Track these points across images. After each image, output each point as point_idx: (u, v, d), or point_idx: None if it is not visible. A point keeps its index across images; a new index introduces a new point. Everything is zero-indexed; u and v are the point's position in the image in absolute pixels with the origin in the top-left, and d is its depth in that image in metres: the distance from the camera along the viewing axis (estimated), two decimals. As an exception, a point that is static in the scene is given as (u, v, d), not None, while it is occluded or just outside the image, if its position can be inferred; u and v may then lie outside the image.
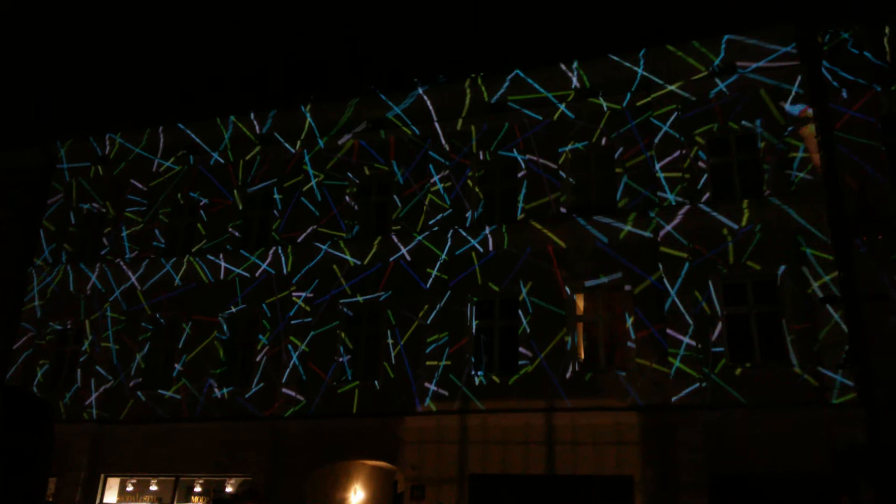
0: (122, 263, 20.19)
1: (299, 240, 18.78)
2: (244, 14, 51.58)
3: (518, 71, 18.18)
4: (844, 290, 14.12)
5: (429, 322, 16.84)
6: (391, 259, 17.72)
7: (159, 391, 18.65)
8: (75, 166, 22.25)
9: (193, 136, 21.22)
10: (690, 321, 14.98)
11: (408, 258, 17.59)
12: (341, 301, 17.92)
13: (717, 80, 16.50)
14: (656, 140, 16.56)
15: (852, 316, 14.01)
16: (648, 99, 16.94)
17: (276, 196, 19.61)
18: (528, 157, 17.61)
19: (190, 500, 17.53)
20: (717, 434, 14.05)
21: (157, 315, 19.60)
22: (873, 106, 15.37)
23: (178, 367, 18.71)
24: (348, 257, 18.08)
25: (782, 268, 14.85)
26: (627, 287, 15.84)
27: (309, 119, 20.00)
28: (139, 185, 21.20)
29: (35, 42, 50.76)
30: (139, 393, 18.83)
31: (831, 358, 13.83)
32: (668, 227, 15.69)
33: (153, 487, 18.01)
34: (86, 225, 21.76)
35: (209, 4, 51.60)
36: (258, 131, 20.57)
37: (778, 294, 14.88)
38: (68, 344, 20.40)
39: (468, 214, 17.67)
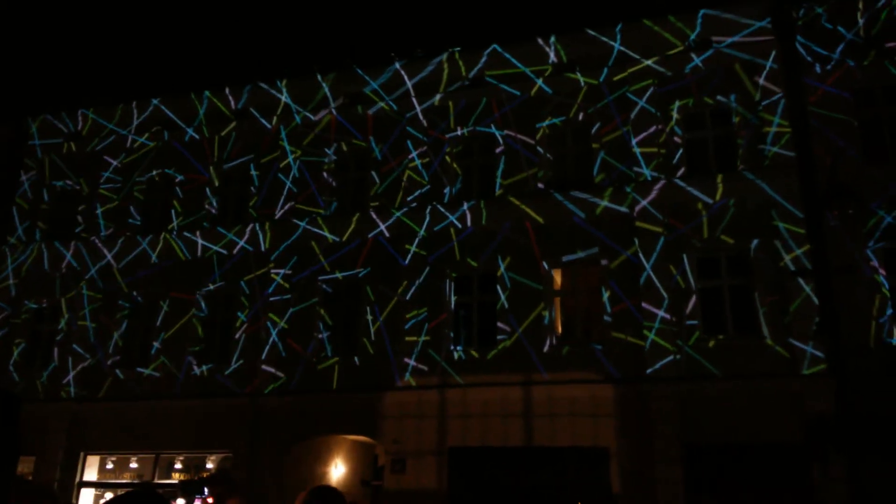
0: (97, 241, 20.00)
1: (277, 216, 18.71)
2: (218, -14, 50.68)
3: (496, 46, 18.11)
4: (815, 262, 14.37)
5: (408, 298, 16.91)
6: (370, 235, 17.73)
7: (138, 369, 18.60)
8: (47, 143, 21.91)
9: (168, 111, 20.95)
10: (665, 295, 15.18)
11: (386, 234, 17.60)
12: (320, 278, 17.93)
13: (693, 55, 16.57)
14: (632, 115, 16.63)
15: (823, 288, 14.29)
16: (625, 74, 16.98)
17: (253, 172, 19.47)
18: (505, 132, 17.62)
19: (170, 478, 17.59)
20: (690, 405, 14.32)
21: (134, 293, 19.48)
22: (846, 80, 15.50)
23: (156, 344, 18.65)
24: (326, 234, 18.06)
25: (755, 241, 15.06)
26: (604, 262, 15.99)
27: (285, 94, 19.82)
28: (113, 162, 20.94)
29: (3, 17, 49.49)
30: (117, 371, 18.76)
31: (802, 330, 14.10)
32: (644, 202, 15.83)
33: (133, 465, 18.06)
34: (59, 202, 21.47)
35: (182, -24, 50.56)
36: (234, 107, 20.35)
37: (751, 267, 15.10)
38: (44, 323, 20.24)
39: (446, 190, 17.69)
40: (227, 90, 20.36)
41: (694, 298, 15.17)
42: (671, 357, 14.77)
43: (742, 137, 15.89)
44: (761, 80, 15.95)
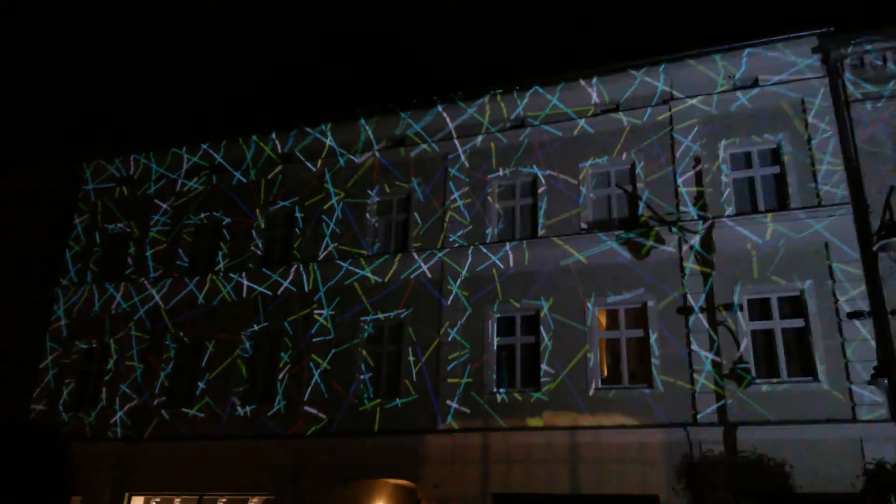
0: (146, 282, 20.40)
1: (320, 257, 18.86)
2: (265, 34, 52.27)
3: (537, 87, 18.19)
4: (872, 304, 13.88)
5: (450, 339, 16.79)
6: (412, 276, 17.73)
7: (183, 409, 18.75)
8: (100, 187, 22.58)
9: (216, 156, 21.46)
10: (715, 337, 14.79)
11: (428, 275, 17.58)
12: (362, 318, 17.95)
13: (739, 94, 16.39)
14: (677, 154, 16.45)
15: (880, 331, 13.76)
16: (669, 113, 16.86)
17: (298, 214, 19.73)
18: (548, 172, 17.58)
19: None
20: (743, 452, 13.80)
21: (181, 333, 19.74)
22: (898, 117, 15.14)
23: (201, 385, 18.81)
24: (369, 275, 18.12)
25: (808, 282, 14.63)
26: (650, 303, 15.68)
27: (330, 138, 20.15)
28: (163, 205, 21.46)
29: (60, 65, 51.75)
30: (163, 411, 18.93)
31: (860, 374, 13.56)
32: (691, 242, 15.55)
33: (177, 506, 18.06)
34: (111, 245, 22.03)
35: (231, 26, 52.32)
36: (280, 151, 20.77)
37: (804, 309, 14.64)
38: (93, 363, 20.60)
39: (488, 231, 17.65)
40: (273, 135, 20.80)
41: (745, 341, 14.73)
42: (722, 401, 14.31)
43: (792, 176, 15.55)
44: (810, 118, 15.66)
